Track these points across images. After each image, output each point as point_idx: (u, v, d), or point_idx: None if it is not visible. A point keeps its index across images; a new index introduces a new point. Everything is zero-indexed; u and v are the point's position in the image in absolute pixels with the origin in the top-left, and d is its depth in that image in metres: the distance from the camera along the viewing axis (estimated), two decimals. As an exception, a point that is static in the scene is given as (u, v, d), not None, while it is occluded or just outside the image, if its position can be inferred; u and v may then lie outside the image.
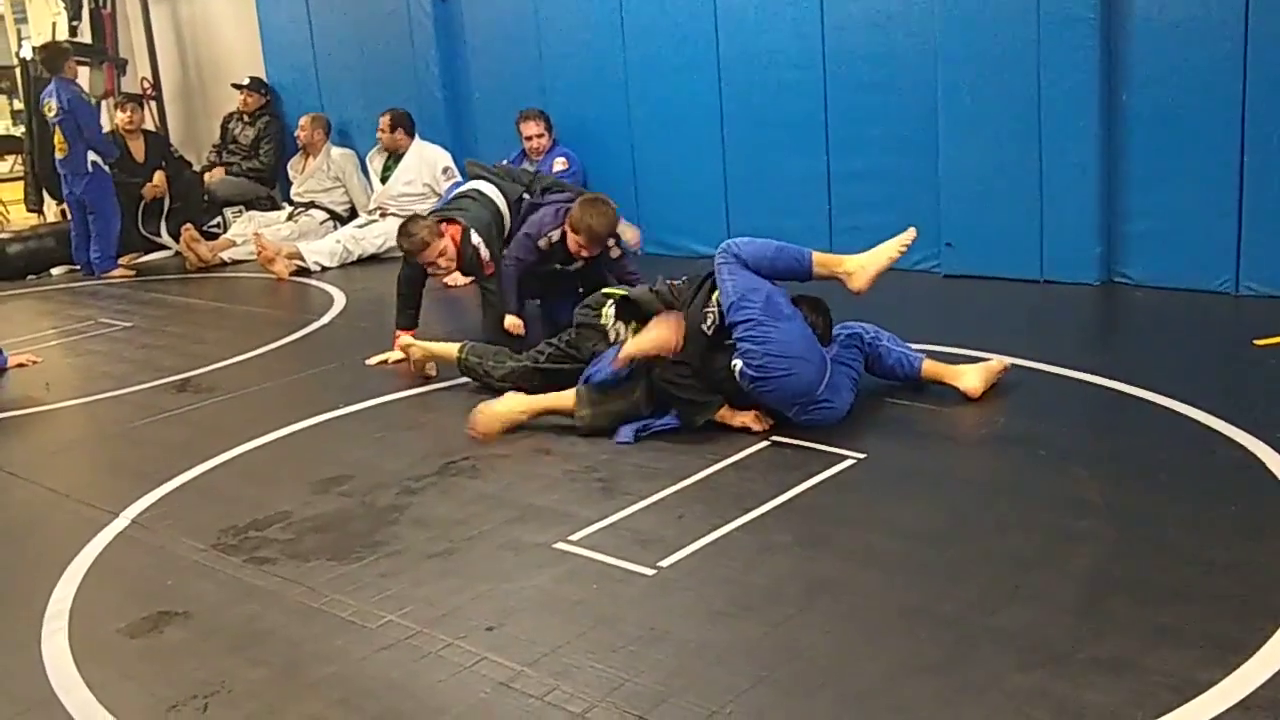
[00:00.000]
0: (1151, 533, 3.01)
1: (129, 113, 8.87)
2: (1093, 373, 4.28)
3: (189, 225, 8.47)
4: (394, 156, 8.22)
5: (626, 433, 3.97)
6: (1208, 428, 3.67)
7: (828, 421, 3.89)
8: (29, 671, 2.76)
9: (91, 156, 8.19)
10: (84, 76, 9.09)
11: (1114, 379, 4.19)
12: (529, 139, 7.37)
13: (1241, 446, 3.49)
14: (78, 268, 8.61)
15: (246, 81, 9.31)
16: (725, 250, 3.99)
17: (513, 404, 4.17)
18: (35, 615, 3.04)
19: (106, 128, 8.81)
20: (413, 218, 5.34)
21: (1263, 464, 3.35)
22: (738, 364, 3.82)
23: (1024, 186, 5.68)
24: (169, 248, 8.90)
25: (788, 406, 3.87)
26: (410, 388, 4.83)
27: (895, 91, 6.10)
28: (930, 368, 4.18)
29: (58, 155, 8.30)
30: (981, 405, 4.05)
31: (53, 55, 8.47)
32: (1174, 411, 3.84)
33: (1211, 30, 5.10)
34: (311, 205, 8.73)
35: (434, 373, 4.92)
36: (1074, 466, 3.47)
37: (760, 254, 3.95)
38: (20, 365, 5.72)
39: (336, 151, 8.77)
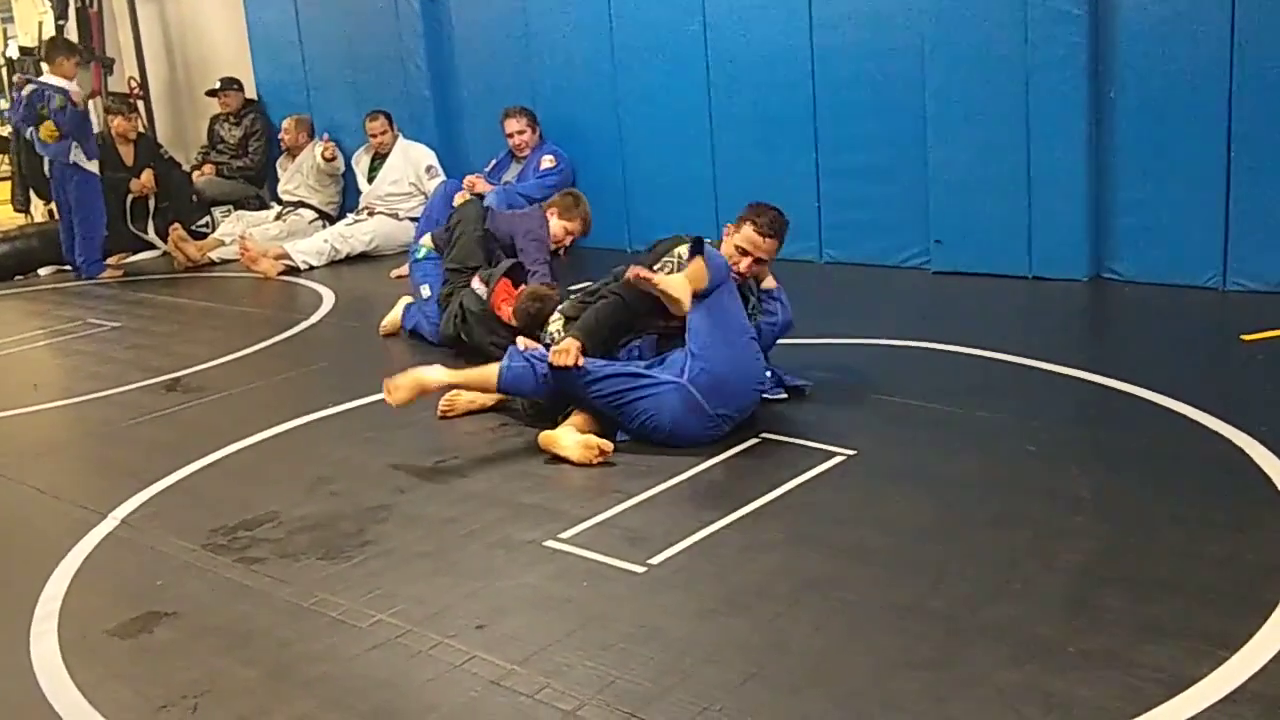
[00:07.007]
0: (1140, 527, 3.02)
1: (129, 120, 8.78)
2: (1081, 368, 4.29)
3: (177, 225, 8.43)
4: (379, 156, 8.22)
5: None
6: (1196, 423, 3.69)
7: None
8: (18, 673, 2.75)
9: (74, 157, 8.02)
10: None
11: (1102, 374, 4.21)
12: (510, 136, 7.37)
13: (1229, 441, 3.51)
14: (67, 268, 8.56)
15: (219, 85, 9.27)
16: None
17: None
18: (24, 616, 3.03)
19: (96, 129, 8.68)
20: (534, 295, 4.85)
21: (1250, 458, 3.37)
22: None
23: (1013, 183, 5.69)
24: (157, 247, 8.86)
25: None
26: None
27: (884, 89, 6.11)
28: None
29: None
30: (971, 402, 4.06)
31: (45, 49, 8.41)
32: (1162, 407, 3.85)
33: (1199, 26, 5.11)
34: (300, 204, 8.72)
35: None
36: (1063, 462, 3.48)
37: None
38: None
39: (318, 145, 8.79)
